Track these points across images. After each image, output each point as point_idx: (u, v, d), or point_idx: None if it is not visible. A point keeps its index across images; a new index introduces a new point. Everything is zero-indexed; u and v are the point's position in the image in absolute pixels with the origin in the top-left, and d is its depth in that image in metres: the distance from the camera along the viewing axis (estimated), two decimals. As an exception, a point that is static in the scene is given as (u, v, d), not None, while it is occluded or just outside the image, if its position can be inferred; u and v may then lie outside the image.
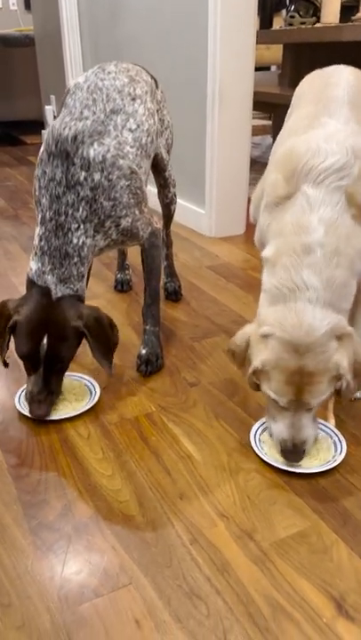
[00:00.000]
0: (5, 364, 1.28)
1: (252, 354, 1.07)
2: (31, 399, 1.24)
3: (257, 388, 1.11)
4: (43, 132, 4.51)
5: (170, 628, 0.83)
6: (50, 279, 1.21)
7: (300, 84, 1.46)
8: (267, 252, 1.12)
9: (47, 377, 1.23)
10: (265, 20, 4.19)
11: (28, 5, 6.35)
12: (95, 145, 1.20)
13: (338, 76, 1.32)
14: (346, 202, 1.07)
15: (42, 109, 4.50)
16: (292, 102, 1.45)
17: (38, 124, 4.92)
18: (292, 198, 1.10)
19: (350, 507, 1.04)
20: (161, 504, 1.05)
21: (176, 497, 1.07)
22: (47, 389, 1.24)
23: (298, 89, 1.44)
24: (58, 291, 1.21)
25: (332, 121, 1.18)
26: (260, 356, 1.04)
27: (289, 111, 1.44)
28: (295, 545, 0.96)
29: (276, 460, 1.13)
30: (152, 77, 1.52)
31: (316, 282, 1.03)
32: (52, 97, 4.10)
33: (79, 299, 1.25)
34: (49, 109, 4.18)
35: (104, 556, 0.95)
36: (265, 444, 1.18)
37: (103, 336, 1.25)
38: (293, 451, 1.09)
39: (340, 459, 1.13)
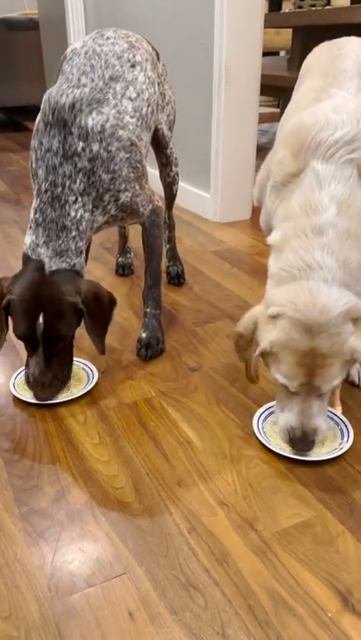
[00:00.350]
0: (32, 340, 1.21)
1: (260, 335, 1.00)
2: (34, 382, 1.19)
3: (255, 379, 1.05)
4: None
5: (165, 620, 0.78)
6: (44, 252, 1.15)
7: (308, 56, 1.40)
8: (273, 238, 1.05)
9: (48, 358, 1.17)
10: (274, 3, 4.10)
11: (33, -10, 6.26)
12: (94, 114, 1.14)
13: (347, 47, 1.27)
14: (358, 176, 1.01)
15: (46, 95, 4.44)
16: (300, 75, 1.39)
17: (43, 110, 4.85)
18: (301, 175, 1.03)
19: (357, 497, 0.99)
20: (158, 491, 1.00)
21: (174, 484, 1.02)
22: (50, 372, 1.18)
23: (306, 61, 1.38)
24: (52, 264, 1.15)
25: (341, 92, 1.12)
26: (269, 337, 0.98)
27: (297, 84, 1.38)
28: (299, 535, 0.91)
29: (281, 448, 1.07)
30: (153, 49, 1.46)
31: (331, 261, 0.96)
32: (57, 81, 4.04)
33: (77, 274, 1.19)
34: (53, 94, 4.12)
35: (97, 544, 0.90)
36: (268, 432, 1.13)
37: (101, 314, 1.20)
38: (302, 439, 1.02)
39: (346, 446, 1.08)
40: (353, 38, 1.34)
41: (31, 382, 1.20)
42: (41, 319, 1.13)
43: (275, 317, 0.98)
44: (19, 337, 1.17)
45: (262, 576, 0.85)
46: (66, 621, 0.78)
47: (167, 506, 0.97)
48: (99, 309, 1.19)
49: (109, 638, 0.76)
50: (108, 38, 1.27)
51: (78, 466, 1.06)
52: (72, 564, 0.87)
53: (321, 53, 1.33)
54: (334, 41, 1.36)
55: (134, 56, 1.27)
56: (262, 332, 1.00)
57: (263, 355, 1.01)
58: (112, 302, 1.22)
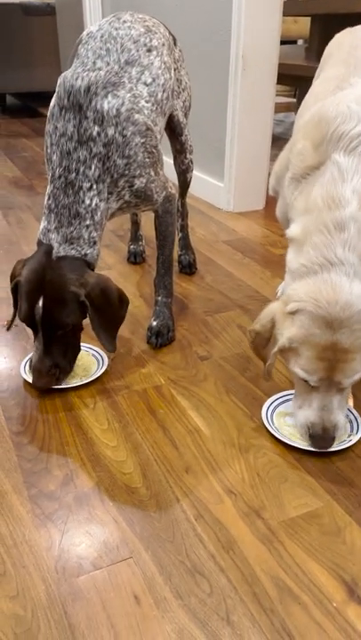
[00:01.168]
0: (8, 328, 1.23)
1: (279, 332, 0.99)
2: (33, 367, 1.18)
3: (270, 376, 1.05)
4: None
5: (170, 605, 0.79)
6: (54, 237, 1.15)
7: (330, 44, 1.38)
8: (293, 231, 1.03)
9: (48, 344, 1.15)
10: (293, -9, 4.03)
11: (50, -25, 6.22)
12: (109, 97, 1.13)
13: None
14: None
15: (61, 81, 4.42)
16: (321, 63, 1.37)
17: (57, 97, 4.84)
18: (321, 168, 1.01)
19: (365, 488, 0.99)
20: (166, 477, 1.01)
21: (182, 471, 1.02)
22: (49, 359, 1.16)
23: (327, 48, 1.36)
24: (61, 250, 1.14)
25: None
26: (287, 334, 0.96)
27: (317, 72, 1.36)
28: (306, 525, 0.91)
29: (290, 439, 1.07)
30: (170, 34, 1.44)
31: (353, 257, 0.94)
32: (72, 67, 4.02)
33: (88, 264, 1.17)
34: (68, 80, 4.10)
35: (105, 528, 0.91)
36: (277, 422, 1.12)
37: (108, 310, 1.17)
38: (323, 436, 1.01)
39: (356, 439, 1.07)
40: None
41: (31, 367, 1.19)
42: (40, 303, 1.12)
43: (293, 313, 0.96)
44: (20, 319, 1.17)
45: (268, 564, 0.85)
46: (72, 602, 0.79)
47: (174, 492, 0.98)
48: (106, 305, 1.16)
49: (115, 621, 0.77)
50: (124, 22, 1.26)
51: (87, 450, 1.07)
52: (79, 546, 0.88)
53: (343, 41, 1.31)
54: (355, 28, 1.34)
55: (150, 40, 1.26)
56: (281, 329, 0.99)
57: (282, 351, 1.00)
58: (122, 301, 1.20)
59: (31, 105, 5.15)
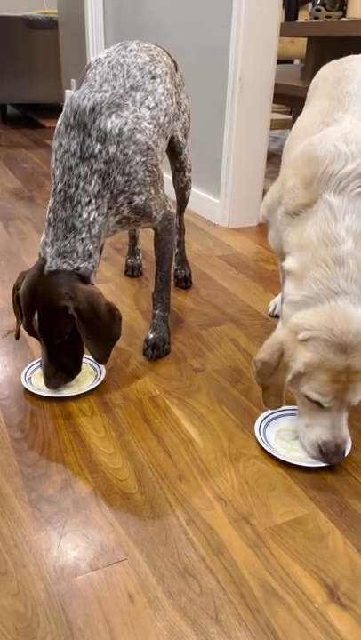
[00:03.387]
0: (16, 337, 1.29)
1: (291, 359, 1.02)
2: (43, 372, 1.26)
3: (279, 403, 1.07)
4: (62, 116, 4.52)
5: (162, 603, 0.84)
6: (49, 251, 1.20)
7: (316, 75, 1.43)
8: (290, 265, 1.07)
9: (50, 351, 1.22)
10: (290, 13, 4.15)
11: (53, -11, 6.32)
12: (113, 117, 1.19)
13: (352, 68, 1.29)
14: None
15: (62, 93, 4.51)
16: (308, 95, 1.43)
17: (58, 108, 4.92)
18: (314, 206, 1.06)
19: (348, 498, 1.04)
20: (160, 484, 1.06)
21: (175, 478, 1.08)
22: (53, 364, 1.24)
23: (313, 81, 1.42)
24: (53, 264, 1.19)
25: (348, 116, 1.15)
26: (302, 359, 1.00)
27: (305, 103, 1.42)
28: (291, 531, 0.97)
29: (282, 454, 1.12)
30: (172, 60, 1.52)
31: (356, 288, 0.99)
32: (73, 81, 4.10)
33: (81, 278, 1.21)
34: (69, 93, 4.18)
35: (101, 531, 0.96)
36: (270, 437, 1.18)
37: (98, 324, 1.20)
38: (336, 452, 1.06)
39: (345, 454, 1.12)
40: (357, 57, 1.36)
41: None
42: (36, 316, 1.19)
43: (305, 340, 1.00)
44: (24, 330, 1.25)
45: (255, 567, 0.90)
46: (70, 600, 0.84)
47: (168, 498, 1.03)
48: (95, 318, 1.19)
49: (110, 618, 0.82)
50: (131, 50, 1.33)
51: (84, 457, 1.12)
52: (77, 548, 0.93)
53: (328, 74, 1.35)
54: (340, 60, 1.39)
55: (155, 68, 1.33)
56: (293, 356, 1.01)
57: (294, 377, 1.03)
58: (113, 315, 1.22)
59: (32, 116, 5.22)
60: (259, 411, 1.27)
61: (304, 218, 1.07)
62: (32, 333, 1.23)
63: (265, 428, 1.20)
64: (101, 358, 1.24)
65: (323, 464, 1.10)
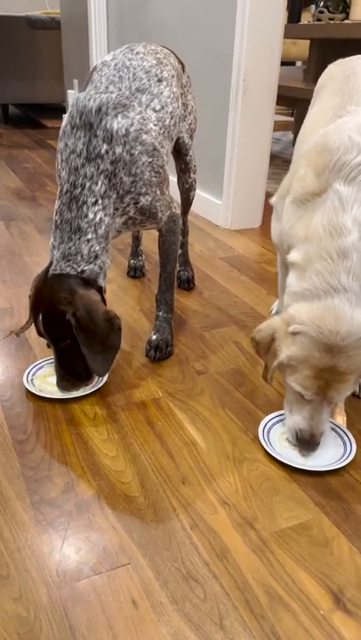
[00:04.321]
0: (17, 334, 1.29)
1: (279, 348, 1.04)
2: (55, 371, 1.26)
3: (268, 379, 1.11)
4: (64, 115, 4.51)
5: (166, 609, 0.83)
6: (55, 254, 1.19)
7: (322, 76, 1.43)
8: (295, 257, 1.07)
9: (58, 354, 1.22)
10: (293, 15, 4.14)
11: (55, -11, 6.33)
12: (119, 117, 1.18)
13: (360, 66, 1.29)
14: None
15: (64, 93, 4.50)
16: (314, 95, 1.43)
17: (59, 109, 4.92)
18: (323, 196, 1.05)
19: (353, 502, 1.03)
20: (163, 487, 1.05)
21: (179, 482, 1.07)
22: (62, 366, 1.23)
23: (319, 81, 1.42)
24: (57, 268, 1.18)
25: None
26: (287, 352, 1.02)
27: (312, 102, 1.42)
28: (296, 536, 0.96)
29: (286, 458, 1.11)
30: (180, 62, 1.51)
31: (356, 285, 0.98)
32: (75, 81, 4.09)
33: (86, 282, 1.19)
34: (71, 93, 4.17)
35: (104, 534, 0.95)
36: (273, 440, 1.17)
37: (95, 332, 1.17)
38: (310, 442, 1.09)
39: (349, 459, 1.11)
40: None
41: None
42: (40, 318, 1.19)
43: (294, 334, 1.01)
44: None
45: (260, 573, 0.89)
46: (73, 606, 0.83)
47: (171, 502, 1.02)
48: (92, 326, 1.17)
49: (113, 623, 0.81)
50: (137, 53, 1.33)
51: (87, 460, 1.11)
52: (79, 552, 0.92)
53: (335, 72, 1.36)
54: (347, 60, 1.39)
55: (161, 72, 1.32)
56: (281, 346, 1.04)
57: (280, 365, 1.05)
58: (112, 325, 1.19)
59: (33, 116, 5.22)
60: (262, 414, 1.26)
61: (311, 207, 1.06)
62: (40, 334, 1.23)
63: (269, 432, 1.19)
64: (99, 369, 1.21)
65: (327, 468, 1.09)
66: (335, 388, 1.01)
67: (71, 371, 1.24)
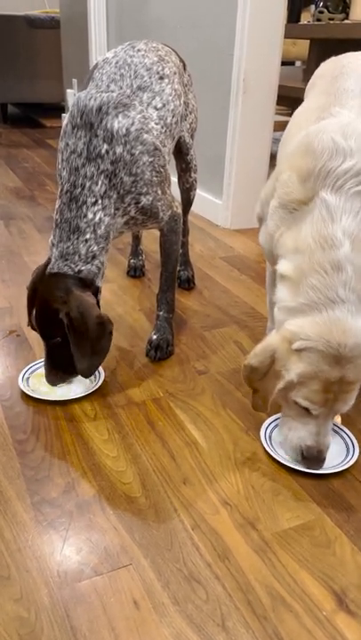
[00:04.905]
0: (33, 327, 1.26)
1: (284, 368, 1.00)
2: (44, 364, 1.27)
3: (264, 408, 1.07)
4: (63, 115, 4.50)
5: (168, 610, 0.83)
6: (54, 252, 1.20)
7: (315, 73, 1.41)
8: (285, 269, 1.04)
9: (47, 348, 1.23)
10: (293, 15, 4.14)
11: (54, -12, 6.32)
12: (120, 117, 1.17)
13: (350, 66, 1.27)
14: None
15: (63, 93, 4.49)
16: (306, 92, 1.42)
17: (59, 108, 4.91)
18: (310, 204, 1.02)
19: (355, 503, 1.03)
20: (164, 488, 1.05)
21: (180, 482, 1.06)
22: (50, 360, 1.24)
23: (312, 78, 1.40)
24: (54, 266, 1.19)
25: (345, 111, 1.12)
26: (296, 370, 0.98)
27: (304, 102, 1.40)
28: (298, 537, 0.96)
29: (287, 459, 1.11)
30: (181, 60, 1.50)
31: (354, 297, 0.97)
32: (75, 81, 4.08)
33: (82, 282, 1.18)
34: (70, 93, 4.17)
35: (105, 535, 0.94)
36: (276, 443, 1.16)
37: (86, 334, 1.17)
38: (318, 458, 1.06)
39: (352, 461, 1.10)
40: (355, 55, 1.34)
41: None
42: (34, 313, 1.20)
43: (300, 350, 0.98)
44: None
45: (262, 573, 0.89)
46: (74, 606, 0.83)
47: (172, 502, 1.02)
48: (83, 328, 1.16)
49: (115, 624, 0.80)
50: (139, 50, 1.32)
51: (88, 460, 1.11)
52: (80, 552, 0.91)
53: (325, 70, 1.33)
54: (339, 57, 1.37)
55: (163, 69, 1.32)
56: (287, 365, 0.99)
57: (286, 386, 1.01)
58: (104, 328, 1.19)
59: (32, 115, 5.21)
60: (263, 414, 1.26)
61: (299, 217, 1.04)
62: (33, 327, 1.24)
63: (271, 433, 1.18)
64: (84, 371, 1.20)
65: (331, 471, 1.08)
66: (343, 399, 1.00)
67: (58, 366, 1.25)
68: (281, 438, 1.12)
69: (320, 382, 0.98)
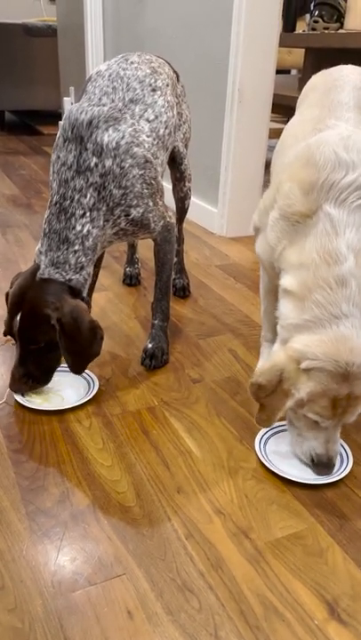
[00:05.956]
0: (4, 334, 1.28)
1: (294, 387, 1.00)
2: (11, 372, 1.26)
3: (269, 423, 1.07)
4: (60, 122, 4.52)
5: (161, 620, 0.83)
6: (43, 260, 1.21)
7: (306, 85, 1.41)
8: (288, 284, 1.04)
9: (23, 355, 1.23)
10: (288, 24, 4.17)
11: (52, -4, 6.37)
12: (110, 131, 1.19)
13: (342, 78, 1.29)
14: None
15: (60, 100, 4.51)
16: (298, 103, 1.43)
17: (56, 115, 4.92)
18: (313, 218, 1.02)
19: (348, 512, 1.04)
20: (158, 497, 1.05)
21: (174, 491, 1.07)
22: (23, 368, 1.24)
23: (303, 90, 1.41)
24: (45, 272, 1.20)
25: (341, 123, 1.13)
26: (306, 389, 0.99)
27: (296, 113, 1.41)
28: (290, 546, 0.96)
29: (283, 471, 1.11)
30: (174, 71, 1.52)
31: (357, 312, 0.98)
32: (72, 88, 4.11)
33: (72, 290, 1.21)
34: (67, 101, 4.19)
35: (99, 545, 0.95)
36: (270, 452, 1.17)
37: (78, 339, 1.20)
38: (328, 464, 1.08)
39: (346, 472, 1.11)
40: (347, 67, 1.35)
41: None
42: (18, 318, 1.20)
43: (308, 370, 0.98)
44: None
45: (254, 583, 0.89)
46: (68, 616, 0.83)
47: (166, 512, 1.02)
48: (76, 333, 1.19)
49: (109, 634, 0.81)
50: (132, 63, 1.33)
51: (82, 469, 1.11)
52: (74, 562, 0.92)
53: (318, 83, 1.35)
54: (330, 70, 1.38)
55: (155, 81, 1.33)
56: (296, 384, 1.00)
57: (295, 403, 1.01)
58: (95, 334, 1.22)
59: (29, 122, 5.22)
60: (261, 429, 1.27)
61: (302, 230, 1.04)
62: (10, 333, 1.24)
63: (265, 444, 1.19)
64: (77, 370, 1.25)
65: (324, 481, 1.09)
66: (350, 412, 1.01)
67: (30, 373, 1.25)
68: (291, 440, 1.14)
69: (329, 399, 0.99)
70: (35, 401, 1.29)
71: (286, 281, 1.05)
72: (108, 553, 0.94)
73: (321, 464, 1.08)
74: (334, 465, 1.09)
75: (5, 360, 1.47)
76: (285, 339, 1.04)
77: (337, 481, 1.10)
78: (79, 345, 1.21)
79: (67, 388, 1.33)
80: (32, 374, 1.25)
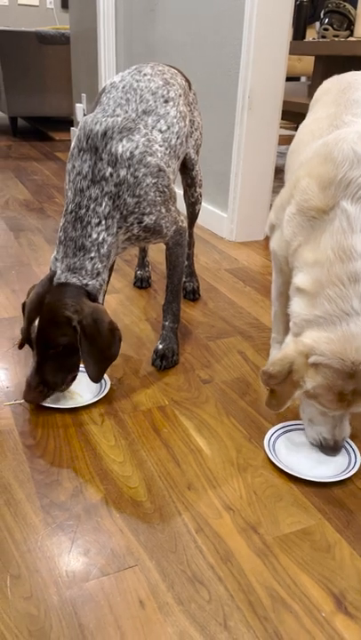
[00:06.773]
0: (19, 346, 1.31)
1: (302, 379, 1.03)
2: (26, 381, 1.25)
3: (279, 409, 1.08)
4: (72, 129, 4.58)
5: (172, 609, 0.86)
6: (59, 266, 1.23)
7: (317, 91, 1.44)
8: (302, 282, 1.06)
9: (40, 362, 1.23)
10: (298, 31, 4.22)
11: (64, 4, 6.46)
12: (124, 141, 1.22)
13: (357, 80, 1.31)
14: None
15: (72, 107, 4.58)
16: (310, 106, 1.45)
17: (67, 122, 5.00)
18: (330, 214, 1.03)
19: (355, 509, 1.06)
20: (169, 492, 1.08)
21: (184, 487, 1.10)
22: (39, 375, 1.23)
23: (315, 95, 1.43)
24: (62, 277, 1.22)
25: (359, 120, 1.14)
26: (313, 383, 1.02)
27: (307, 115, 1.43)
28: (298, 541, 0.98)
29: (292, 469, 1.14)
30: (186, 80, 1.55)
31: None
32: (84, 95, 4.17)
33: (88, 294, 1.23)
34: (79, 107, 4.25)
35: (112, 537, 0.98)
36: (278, 451, 1.19)
37: (98, 341, 1.21)
38: (334, 447, 1.14)
39: (353, 471, 1.13)
40: (358, 73, 1.38)
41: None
42: (36, 323, 1.21)
43: (316, 365, 1.01)
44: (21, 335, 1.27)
45: (263, 576, 0.92)
46: (82, 605, 0.86)
47: (177, 507, 1.05)
48: (97, 335, 1.21)
49: (121, 623, 0.84)
50: (145, 75, 1.37)
51: (95, 465, 1.14)
52: (88, 553, 0.95)
53: (331, 86, 1.37)
54: (342, 75, 1.41)
55: (168, 92, 1.36)
56: (304, 377, 1.03)
57: (304, 393, 1.05)
58: (114, 335, 1.24)
59: (42, 129, 5.30)
60: (266, 422, 1.29)
61: (318, 227, 1.05)
62: (27, 340, 1.25)
63: (275, 443, 1.21)
64: (95, 376, 1.24)
65: (333, 479, 1.11)
66: (357, 404, 1.04)
67: (46, 380, 1.24)
68: (303, 422, 1.18)
69: (335, 394, 1.02)
70: (49, 399, 1.32)
71: (300, 279, 1.07)
72: (121, 545, 0.96)
73: (328, 447, 1.15)
74: (341, 448, 1.15)
75: (20, 359, 1.51)
76: (297, 334, 1.06)
77: (345, 480, 1.12)
78: (99, 347, 1.22)
79: (80, 388, 1.37)
80: (48, 382, 1.25)
